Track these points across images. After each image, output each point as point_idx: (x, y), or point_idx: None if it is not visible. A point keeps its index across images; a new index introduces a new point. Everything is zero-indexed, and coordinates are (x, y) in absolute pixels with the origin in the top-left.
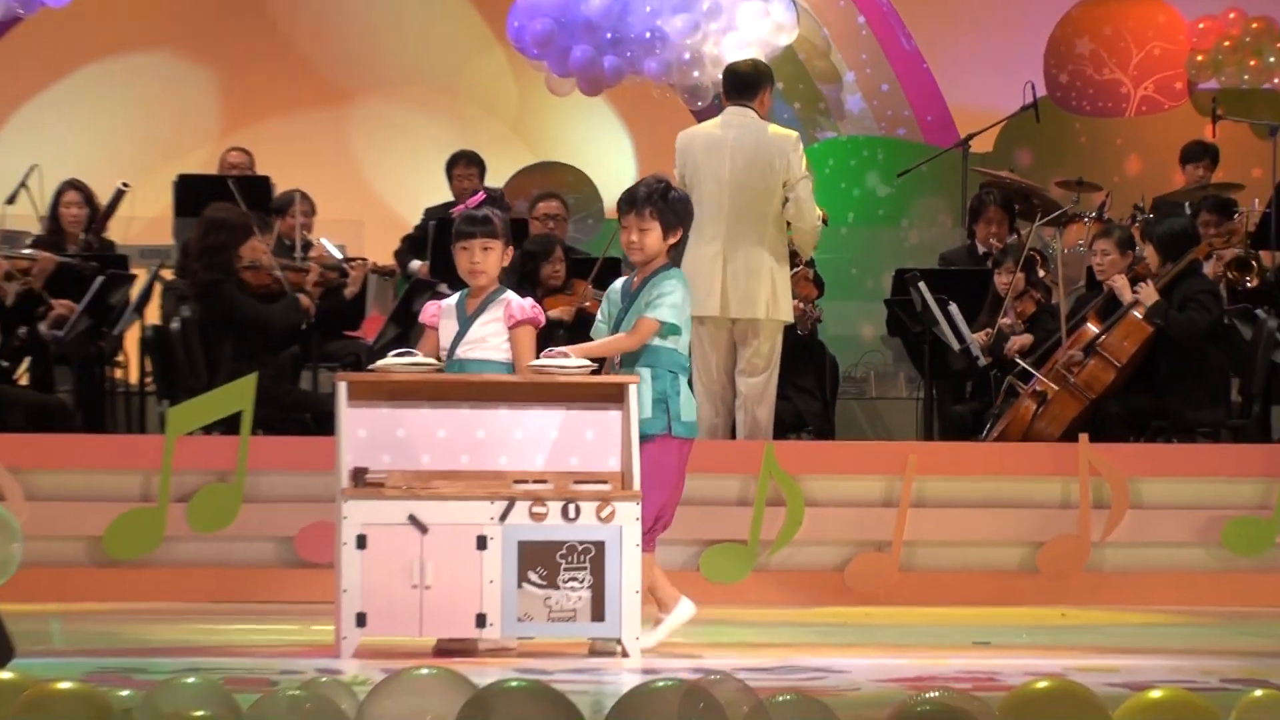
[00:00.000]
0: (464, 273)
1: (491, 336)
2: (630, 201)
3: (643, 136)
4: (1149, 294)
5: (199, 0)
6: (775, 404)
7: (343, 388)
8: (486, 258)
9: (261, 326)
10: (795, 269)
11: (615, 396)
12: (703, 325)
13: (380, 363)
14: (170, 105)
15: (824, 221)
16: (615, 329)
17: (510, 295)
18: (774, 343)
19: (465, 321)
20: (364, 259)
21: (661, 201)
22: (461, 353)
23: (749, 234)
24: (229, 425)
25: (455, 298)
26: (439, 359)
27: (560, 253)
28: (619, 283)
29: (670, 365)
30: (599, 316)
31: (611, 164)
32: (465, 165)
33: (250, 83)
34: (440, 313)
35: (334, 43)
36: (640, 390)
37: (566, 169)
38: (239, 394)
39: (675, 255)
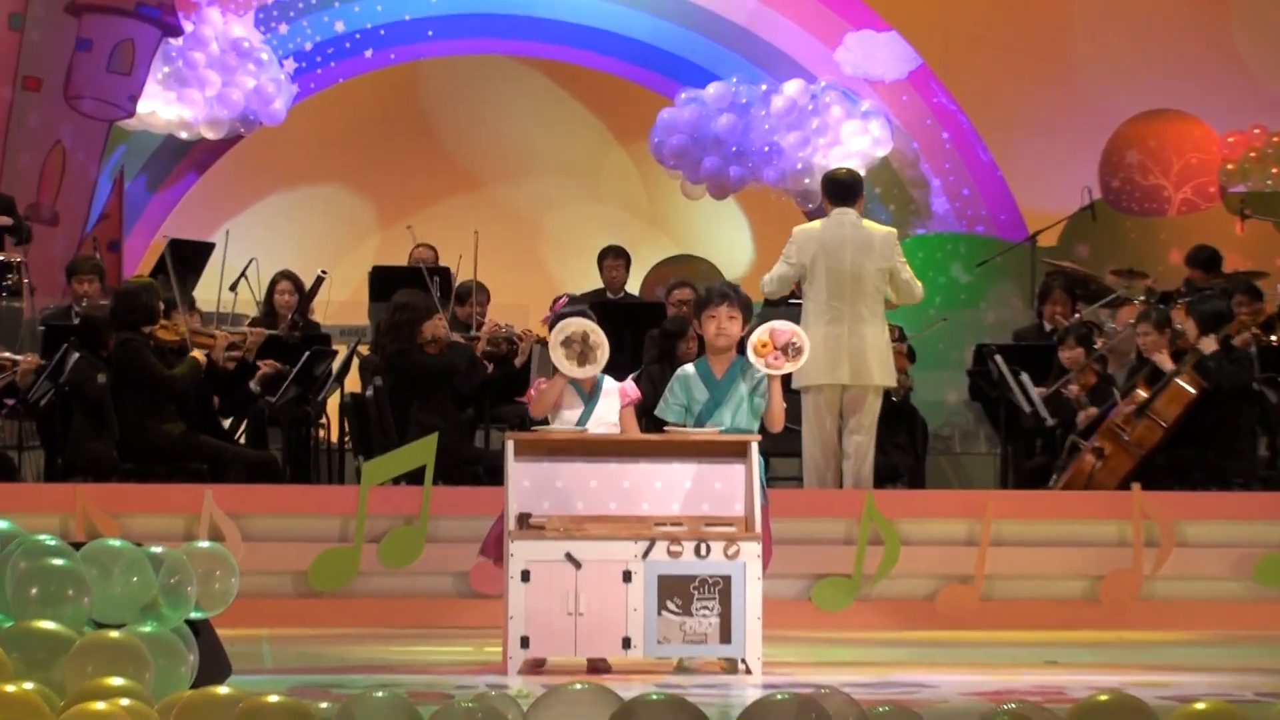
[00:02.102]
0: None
1: (609, 414)
2: (724, 295)
3: (760, 229)
4: (1209, 344)
5: (368, 131)
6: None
7: (510, 445)
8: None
9: (444, 379)
10: (892, 344)
11: (739, 453)
12: (820, 393)
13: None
14: (345, 213)
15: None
16: (701, 413)
17: (612, 380)
18: (878, 405)
19: (587, 401)
20: (529, 330)
21: (742, 297)
22: (591, 427)
23: (865, 314)
24: (414, 477)
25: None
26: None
27: (693, 332)
28: (690, 369)
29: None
30: (671, 398)
31: (734, 253)
32: (614, 257)
33: (410, 186)
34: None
35: (491, 156)
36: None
37: (698, 261)
38: (423, 451)
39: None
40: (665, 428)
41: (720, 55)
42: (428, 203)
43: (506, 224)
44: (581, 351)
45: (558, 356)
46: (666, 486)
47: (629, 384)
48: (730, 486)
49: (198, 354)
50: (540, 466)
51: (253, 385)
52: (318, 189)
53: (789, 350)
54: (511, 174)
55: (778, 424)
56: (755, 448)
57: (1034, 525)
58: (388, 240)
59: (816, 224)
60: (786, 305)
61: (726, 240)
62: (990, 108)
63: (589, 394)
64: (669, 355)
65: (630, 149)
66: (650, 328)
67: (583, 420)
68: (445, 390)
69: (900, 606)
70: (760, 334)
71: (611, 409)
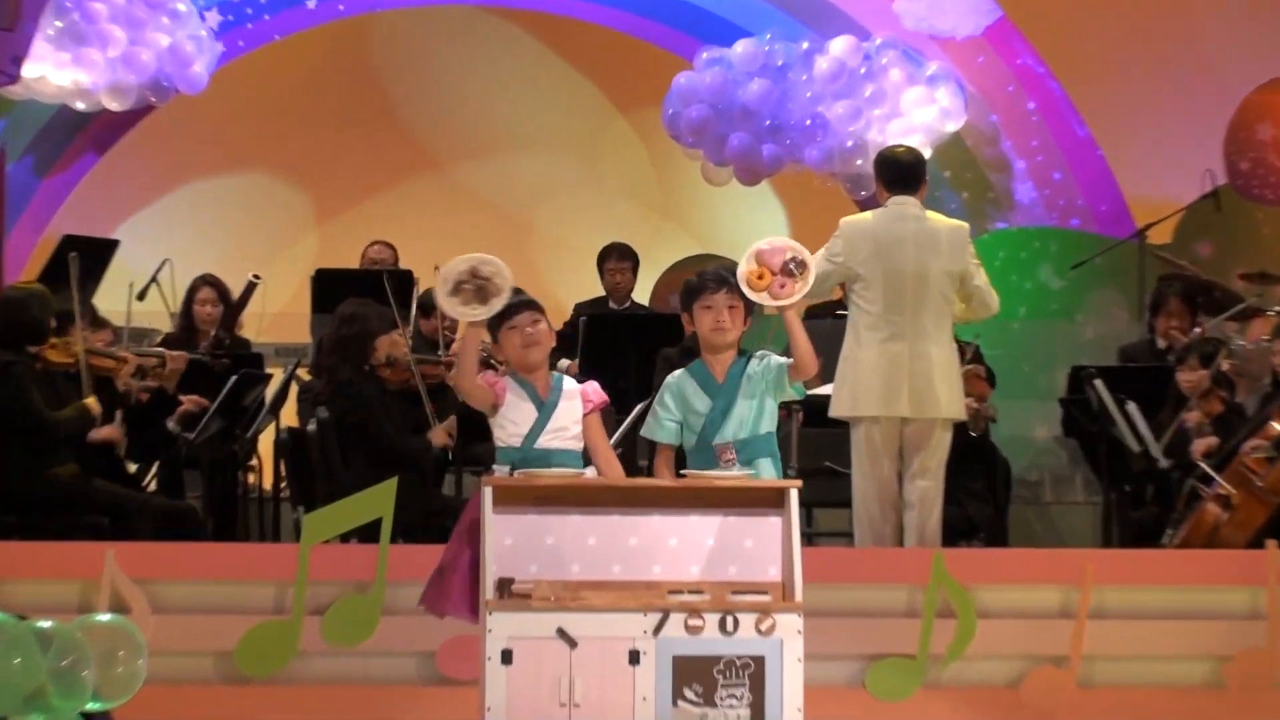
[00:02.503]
0: (520, 348)
1: (570, 423)
2: (721, 280)
3: (800, 222)
4: None
5: (310, 100)
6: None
7: (488, 493)
8: (538, 330)
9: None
10: (966, 366)
11: (775, 502)
12: (875, 427)
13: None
14: (280, 202)
15: None
16: (704, 426)
17: (572, 380)
18: (947, 442)
19: (541, 406)
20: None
21: (740, 284)
22: (545, 442)
23: (929, 328)
24: (367, 533)
25: (512, 380)
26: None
27: None
28: (680, 375)
29: (775, 449)
30: (662, 413)
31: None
32: (618, 259)
33: (361, 168)
34: (506, 388)
35: (461, 132)
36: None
37: (722, 262)
38: (378, 500)
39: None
40: (667, 467)
41: (750, 6)
42: (382, 188)
43: (481, 215)
44: (478, 288)
45: (452, 308)
46: (684, 544)
47: (593, 386)
48: (764, 544)
49: (90, 401)
50: (525, 519)
51: (171, 425)
52: (247, 173)
53: (792, 268)
54: (487, 154)
55: (810, 367)
56: (795, 495)
57: (1144, 593)
58: (333, 236)
59: (869, 216)
60: (833, 318)
61: (757, 236)
62: (1087, 71)
63: (543, 398)
64: None
65: (637, 121)
66: (663, 345)
67: (535, 432)
68: (406, 424)
69: (977, 694)
70: (747, 265)
71: (572, 415)
